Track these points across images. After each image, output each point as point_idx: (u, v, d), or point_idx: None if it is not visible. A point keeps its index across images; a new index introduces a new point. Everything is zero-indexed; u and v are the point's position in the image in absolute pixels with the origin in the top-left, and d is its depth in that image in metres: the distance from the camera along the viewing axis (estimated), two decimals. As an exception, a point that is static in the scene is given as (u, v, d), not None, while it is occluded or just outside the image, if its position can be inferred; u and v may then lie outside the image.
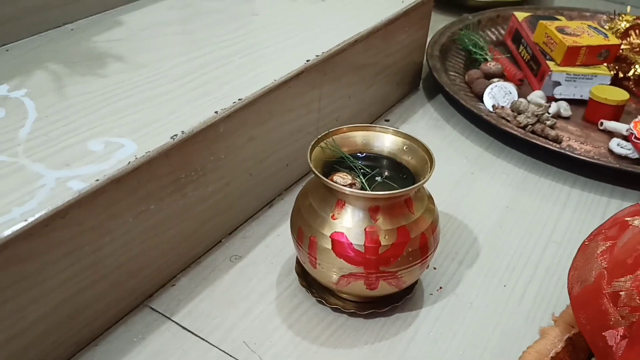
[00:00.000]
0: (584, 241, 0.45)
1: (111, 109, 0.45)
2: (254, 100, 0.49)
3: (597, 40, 0.74)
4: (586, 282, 0.41)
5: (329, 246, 0.42)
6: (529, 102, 0.70)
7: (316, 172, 0.42)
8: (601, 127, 0.69)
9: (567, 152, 0.62)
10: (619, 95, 0.69)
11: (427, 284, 0.50)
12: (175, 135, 0.43)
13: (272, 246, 0.52)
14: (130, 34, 0.57)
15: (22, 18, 0.53)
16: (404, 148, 0.47)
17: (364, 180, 0.45)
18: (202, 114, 0.45)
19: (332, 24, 0.61)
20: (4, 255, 0.34)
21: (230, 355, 0.43)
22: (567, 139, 0.67)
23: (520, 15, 0.85)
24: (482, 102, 0.71)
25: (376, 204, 0.42)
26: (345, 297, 0.47)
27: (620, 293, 0.39)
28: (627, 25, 0.81)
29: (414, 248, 0.43)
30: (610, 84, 0.73)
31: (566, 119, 0.71)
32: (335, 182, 0.42)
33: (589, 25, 0.78)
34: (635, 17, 0.83)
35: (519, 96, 0.72)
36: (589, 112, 0.71)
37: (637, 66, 0.77)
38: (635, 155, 0.64)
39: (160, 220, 0.45)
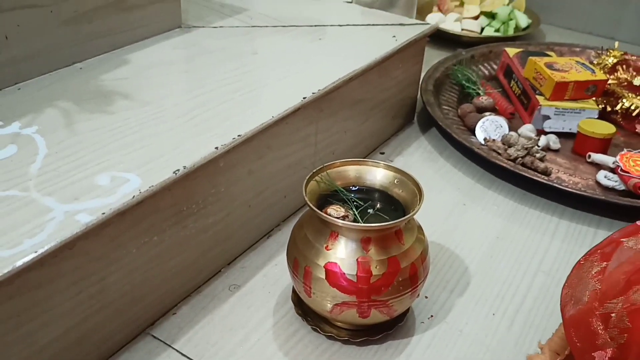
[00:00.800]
0: (579, 260, 0.47)
1: (118, 145, 0.48)
2: (253, 136, 0.51)
3: (584, 75, 0.77)
4: (579, 303, 0.43)
5: (323, 276, 0.44)
6: (519, 135, 0.73)
7: (311, 205, 0.44)
8: (589, 160, 0.71)
9: (555, 184, 0.64)
10: (606, 128, 0.72)
11: (419, 312, 0.51)
12: (178, 170, 0.45)
13: (270, 276, 0.54)
14: (136, 72, 0.60)
15: (34, 58, 0.56)
16: (395, 181, 0.49)
17: (356, 213, 0.47)
18: (204, 149, 0.48)
19: (329, 61, 0.64)
20: (16, 284, 0.36)
21: (228, 381, 0.44)
22: (556, 171, 0.69)
23: (512, 51, 0.88)
24: (475, 135, 0.73)
25: (368, 235, 0.44)
26: (340, 325, 0.49)
27: (612, 315, 0.40)
28: (615, 60, 0.84)
29: (404, 277, 0.45)
30: (598, 118, 0.76)
31: (555, 151, 0.74)
32: (329, 215, 0.45)
33: (577, 61, 0.81)
34: (622, 53, 0.86)
35: (510, 129, 0.74)
36: (577, 145, 0.73)
37: (624, 100, 0.80)
38: (621, 187, 0.66)
39: (162, 250, 0.47)
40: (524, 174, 0.66)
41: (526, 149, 0.70)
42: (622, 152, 0.68)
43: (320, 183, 0.48)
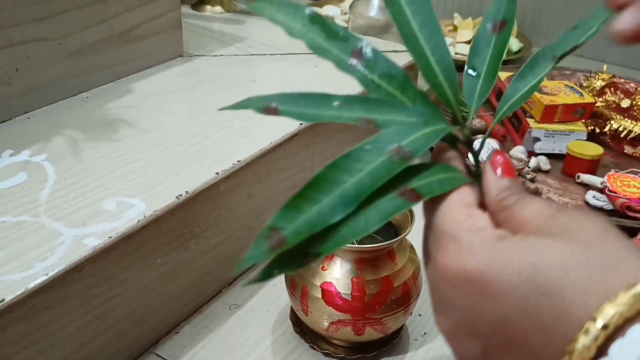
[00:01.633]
0: None
1: (123, 171, 0.50)
2: (252, 162, 0.54)
3: (572, 99, 0.79)
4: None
5: (319, 295, 0.46)
6: (510, 157, 0.75)
7: (307, 227, 0.47)
8: (578, 180, 0.73)
9: (544, 205, 0.66)
10: (594, 150, 0.74)
11: (413, 329, 0.53)
12: (180, 195, 0.47)
13: (269, 295, 0.56)
14: (140, 101, 0.62)
15: (43, 88, 0.59)
16: (388, 204, 0.51)
17: (351, 234, 0.49)
18: (205, 174, 0.50)
19: (325, 88, 0.66)
20: (27, 305, 0.38)
21: (229, 398, 0.46)
22: (547, 191, 0.72)
23: (503, 75, 0.91)
24: (467, 157, 0.76)
25: (362, 256, 0.46)
26: (336, 343, 0.51)
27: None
28: (603, 83, 0.87)
29: (397, 296, 0.47)
30: (588, 139, 0.78)
31: (546, 172, 0.76)
32: (325, 236, 0.47)
33: (565, 85, 0.84)
34: (611, 76, 0.89)
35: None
36: (567, 166, 0.76)
37: (612, 122, 0.82)
38: (609, 207, 0.68)
39: (165, 272, 0.49)
40: (514, 194, 0.68)
41: (517, 170, 0.72)
42: (610, 173, 0.71)
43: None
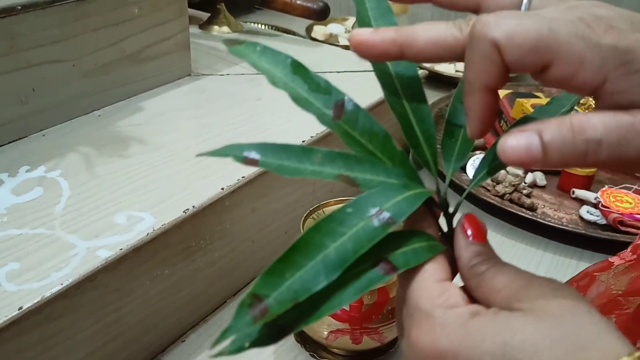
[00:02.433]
0: None
1: (133, 186, 0.53)
2: (256, 177, 0.56)
3: (568, 116, 0.81)
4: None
5: (319, 305, 0.49)
6: (507, 172, 0.78)
7: (307, 240, 0.49)
8: (573, 196, 0.76)
9: (539, 219, 0.68)
10: (589, 166, 0.76)
11: (409, 339, 0.55)
12: (187, 209, 0.50)
13: (272, 306, 0.59)
14: (150, 119, 0.65)
15: (58, 107, 0.62)
16: (385, 218, 0.54)
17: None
18: (211, 190, 0.53)
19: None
20: (44, 313, 0.41)
21: (233, 403, 0.48)
22: (542, 206, 0.74)
23: (501, 92, 0.93)
24: (465, 172, 0.78)
25: (359, 268, 0.49)
26: (335, 352, 0.53)
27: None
28: (599, 101, 0.89)
29: (393, 306, 0.49)
30: (583, 155, 0.81)
31: (542, 187, 0.78)
32: (324, 249, 0.49)
33: (561, 103, 0.86)
34: (607, 93, 0.91)
35: (499, 167, 0.79)
36: (562, 181, 0.78)
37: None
38: (603, 222, 0.70)
39: (173, 282, 0.51)
40: (509, 209, 0.70)
41: (513, 185, 0.74)
42: (604, 189, 0.73)
43: (317, 220, 0.53)
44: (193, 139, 0.62)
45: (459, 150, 0.32)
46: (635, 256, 0.54)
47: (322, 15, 0.90)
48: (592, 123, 0.24)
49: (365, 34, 0.29)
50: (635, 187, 0.74)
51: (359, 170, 0.28)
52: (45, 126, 0.61)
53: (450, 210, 0.31)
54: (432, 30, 0.28)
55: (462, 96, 0.33)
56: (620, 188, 0.74)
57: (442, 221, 0.31)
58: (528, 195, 0.75)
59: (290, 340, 0.55)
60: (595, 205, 0.72)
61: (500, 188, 0.74)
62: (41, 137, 0.60)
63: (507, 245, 0.69)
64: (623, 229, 0.68)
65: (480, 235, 0.29)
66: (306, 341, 0.54)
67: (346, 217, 0.26)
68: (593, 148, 0.24)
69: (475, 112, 0.28)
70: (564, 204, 0.75)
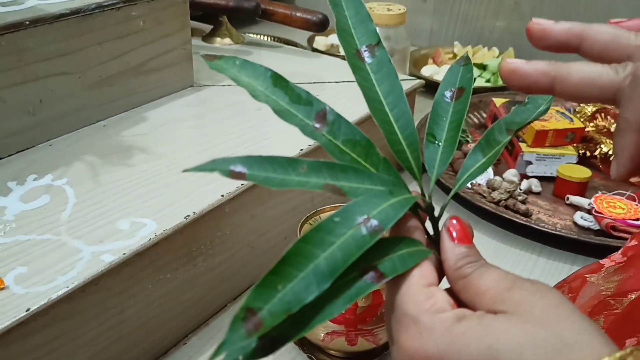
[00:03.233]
0: None
1: (136, 194, 0.55)
2: (254, 185, 0.58)
3: (563, 124, 0.83)
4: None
5: (315, 308, 0.50)
6: (503, 179, 0.79)
7: (304, 245, 0.51)
8: (567, 202, 0.77)
9: (533, 225, 0.70)
10: (583, 173, 0.78)
11: (405, 341, 0.57)
12: (188, 215, 0.52)
13: (271, 309, 0.60)
14: (153, 129, 0.67)
15: (64, 118, 0.64)
16: (380, 224, 0.55)
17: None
18: (211, 197, 0.54)
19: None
20: (50, 315, 0.43)
21: (232, 403, 0.50)
22: (537, 212, 0.75)
23: (498, 101, 0.95)
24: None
25: (354, 272, 0.50)
26: (332, 353, 0.54)
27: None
28: (594, 109, 0.91)
29: (387, 309, 0.51)
30: (579, 162, 0.82)
31: (537, 194, 0.80)
32: (320, 254, 0.51)
33: (557, 111, 0.88)
34: (602, 102, 0.93)
35: (495, 174, 0.80)
36: (557, 188, 0.79)
37: (602, 146, 0.86)
38: (596, 227, 0.71)
39: (174, 287, 0.53)
40: (505, 215, 0.72)
41: (509, 192, 0.76)
42: (597, 195, 0.74)
43: (314, 226, 0.54)
44: (195, 148, 0.64)
45: (442, 155, 0.33)
46: (625, 258, 0.55)
47: (321, 27, 0.92)
48: None
49: (517, 63, 0.30)
50: (628, 193, 0.75)
51: (344, 179, 0.29)
52: (52, 136, 0.63)
53: (436, 214, 0.32)
54: (587, 68, 0.29)
55: (441, 102, 0.34)
56: (614, 194, 0.76)
57: (429, 225, 0.32)
58: (523, 202, 0.76)
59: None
60: (589, 211, 0.74)
61: (496, 195, 0.75)
62: (48, 146, 0.62)
63: (502, 250, 0.70)
64: (615, 234, 0.69)
65: (466, 237, 0.29)
66: (304, 343, 0.55)
67: (334, 226, 0.26)
68: None
69: (630, 152, 0.29)
70: (559, 210, 0.76)
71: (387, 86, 0.33)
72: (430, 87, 1.09)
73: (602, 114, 0.91)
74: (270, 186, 0.27)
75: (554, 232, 0.69)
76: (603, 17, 1.11)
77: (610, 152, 0.85)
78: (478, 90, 1.08)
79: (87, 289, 0.45)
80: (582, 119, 0.88)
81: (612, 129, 0.88)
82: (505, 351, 0.24)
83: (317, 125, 0.31)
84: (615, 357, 0.23)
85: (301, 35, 1.19)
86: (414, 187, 0.32)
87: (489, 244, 0.71)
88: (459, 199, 0.78)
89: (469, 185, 0.78)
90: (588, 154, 0.86)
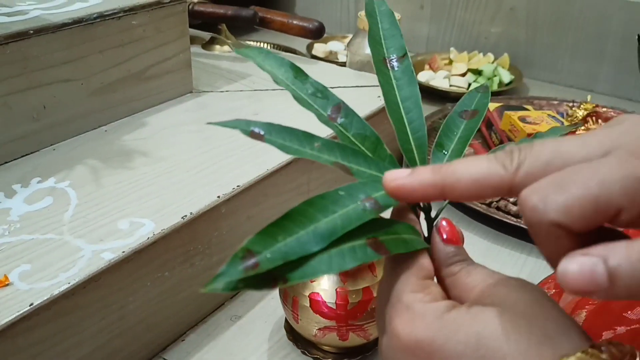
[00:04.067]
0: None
1: (136, 195, 0.57)
2: (251, 186, 0.60)
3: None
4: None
5: (308, 304, 0.52)
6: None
7: (296, 243, 0.53)
8: (558, 203, 0.79)
9: (522, 225, 0.71)
10: (573, 174, 0.80)
11: (396, 337, 0.59)
12: (186, 215, 0.54)
13: (267, 307, 0.62)
14: (153, 133, 0.69)
15: (67, 123, 0.66)
16: (371, 223, 0.57)
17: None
18: (208, 198, 0.57)
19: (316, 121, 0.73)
20: (53, 310, 0.45)
21: (228, 396, 0.52)
22: (528, 213, 0.77)
23: (492, 105, 0.97)
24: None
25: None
26: (325, 349, 0.56)
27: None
28: (585, 113, 0.93)
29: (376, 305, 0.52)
30: (570, 165, 0.84)
31: (529, 196, 0.81)
32: (312, 252, 0.53)
33: (548, 115, 0.89)
34: (594, 105, 0.95)
35: (488, 177, 0.82)
36: (548, 189, 0.81)
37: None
38: (585, 227, 0.73)
39: (173, 284, 0.55)
40: (495, 216, 0.73)
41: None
42: (586, 196, 0.76)
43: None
44: (193, 151, 0.66)
45: (447, 161, 0.35)
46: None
47: (317, 34, 0.94)
48: None
49: (401, 179, 0.28)
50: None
51: (354, 162, 0.31)
52: (56, 141, 0.66)
53: (433, 214, 0.34)
54: (474, 168, 0.27)
55: (455, 119, 0.37)
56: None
57: (424, 225, 0.34)
58: (514, 203, 0.78)
59: (283, 339, 0.58)
60: (578, 212, 0.75)
61: (487, 196, 0.77)
62: (52, 151, 0.65)
63: (493, 250, 0.72)
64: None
65: (456, 239, 0.31)
66: (297, 339, 0.57)
67: (339, 198, 0.28)
68: None
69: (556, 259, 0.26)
70: (550, 211, 0.78)
71: (406, 92, 0.35)
72: (426, 92, 1.11)
73: (594, 118, 0.93)
74: (286, 152, 0.30)
75: (543, 232, 0.71)
76: (597, 22, 1.13)
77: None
78: (473, 95, 1.09)
79: (88, 285, 0.47)
80: (573, 123, 0.90)
81: (603, 132, 0.89)
82: (492, 337, 0.25)
83: (331, 117, 0.33)
84: (587, 353, 0.25)
85: (300, 43, 1.21)
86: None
87: (481, 244, 0.73)
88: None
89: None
90: (579, 156, 0.88)
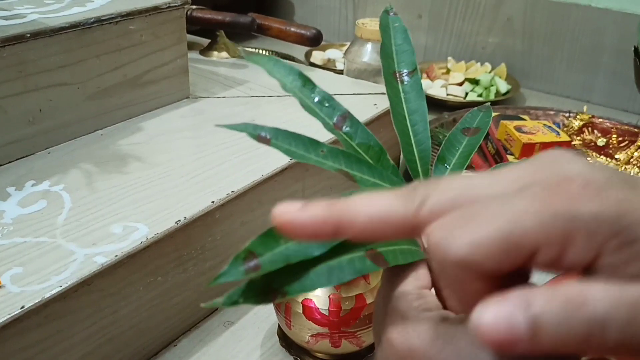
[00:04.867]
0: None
1: (130, 200, 0.57)
2: (245, 192, 0.60)
3: (549, 137, 0.85)
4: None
5: (301, 310, 0.52)
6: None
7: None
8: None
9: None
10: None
11: (389, 345, 0.58)
12: (179, 220, 0.54)
13: (259, 314, 0.62)
14: (149, 138, 0.70)
15: (63, 127, 0.66)
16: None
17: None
18: (202, 203, 0.57)
19: (317, 126, 0.73)
20: (44, 313, 0.45)
21: (219, 402, 0.52)
22: (523, 222, 0.77)
23: (488, 115, 0.97)
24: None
25: (338, 276, 0.52)
26: (317, 356, 0.56)
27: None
28: (581, 123, 0.93)
29: (369, 312, 0.52)
30: (565, 175, 0.84)
31: (524, 205, 0.82)
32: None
33: (544, 124, 0.90)
34: (590, 116, 0.95)
35: (483, 186, 0.82)
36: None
37: (588, 159, 0.88)
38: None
39: (166, 289, 0.55)
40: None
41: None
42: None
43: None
44: (189, 157, 0.66)
45: (449, 174, 0.36)
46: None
47: (314, 41, 0.95)
48: (593, 295, 0.19)
49: (290, 213, 0.24)
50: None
51: (358, 170, 0.32)
52: (51, 145, 0.66)
53: None
54: (373, 205, 0.24)
55: (457, 135, 0.37)
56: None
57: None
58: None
59: (276, 346, 0.58)
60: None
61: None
62: (47, 154, 0.65)
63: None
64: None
65: None
66: (290, 346, 0.57)
67: None
68: (597, 330, 0.19)
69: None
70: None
71: (414, 106, 0.36)
72: (423, 101, 1.11)
73: (589, 128, 0.93)
74: (292, 157, 0.31)
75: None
76: (593, 34, 1.14)
77: (596, 165, 0.87)
78: (470, 105, 1.10)
79: (80, 289, 0.47)
80: (569, 133, 0.91)
81: (599, 142, 0.90)
82: (484, 348, 0.25)
83: (337, 125, 0.34)
84: None
85: (299, 50, 1.22)
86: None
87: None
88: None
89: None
90: (575, 166, 0.88)
